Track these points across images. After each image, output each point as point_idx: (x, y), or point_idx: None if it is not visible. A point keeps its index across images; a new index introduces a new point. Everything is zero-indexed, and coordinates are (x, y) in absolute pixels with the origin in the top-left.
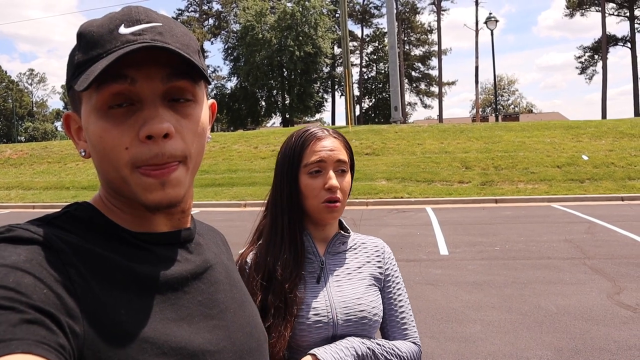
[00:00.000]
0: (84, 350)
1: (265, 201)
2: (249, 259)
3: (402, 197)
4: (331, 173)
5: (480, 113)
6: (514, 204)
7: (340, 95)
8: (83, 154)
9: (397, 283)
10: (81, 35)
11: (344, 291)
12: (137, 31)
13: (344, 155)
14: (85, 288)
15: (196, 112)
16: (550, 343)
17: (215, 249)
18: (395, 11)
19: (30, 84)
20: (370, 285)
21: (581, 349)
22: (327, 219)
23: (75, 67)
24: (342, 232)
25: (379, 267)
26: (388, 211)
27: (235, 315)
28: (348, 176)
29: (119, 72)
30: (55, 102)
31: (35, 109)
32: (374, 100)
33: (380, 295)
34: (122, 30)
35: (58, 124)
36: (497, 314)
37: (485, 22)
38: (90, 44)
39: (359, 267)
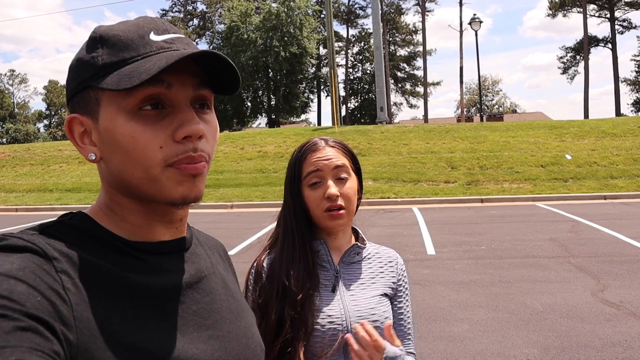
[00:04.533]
0: (77, 358)
1: (279, 211)
2: (265, 264)
3: (388, 198)
4: (330, 182)
5: (465, 113)
6: (499, 203)
7: (326, 96)
8: (93, 157)
9: (406, 295)
10: (103, 38)
11: (357, 300)
12: (168, 39)
13: (342, 161)
14: (79, 296)
15: (213, 120)
16: (537, 341)
17: (213, 259)
18: (380, 12)
19: (12, 85)
20: (382, 295)
21: (567, 346)
22: (333, 227)
23: (100, 68)
24: (358, 244)
25: (392, 278)
26: (375, 211)
27: (232, 326)
28: (350, 181)
29: (156, 76)
30: (37, 104)
31: (16, 110)
32: (359, 100)
33: (390, 305)
34: (154, 37)
35: (40, 126)
36: (484, 312)
37: (470, 23)
38: (119, 46)
39: (373, 278)
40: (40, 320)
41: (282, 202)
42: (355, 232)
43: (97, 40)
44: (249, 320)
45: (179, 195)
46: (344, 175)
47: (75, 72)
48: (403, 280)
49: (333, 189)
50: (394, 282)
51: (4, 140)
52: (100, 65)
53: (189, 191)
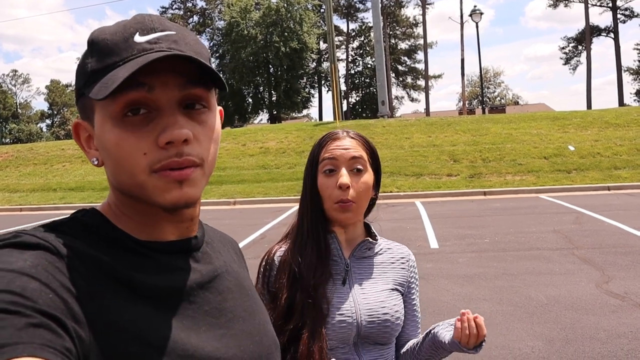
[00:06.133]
0: (89, 356)
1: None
2: (277, 256)
3: (391, 192)
4: (343, 171)
5: (467, 106)
6: (503, 195)
7: (327, 91)
8: (95, 162)
9: (417, 291)
10: (94, 43)
11: (367, 294)
12: (152, 39)
13: (359, 153)
14: (91, 294)
15: (210, 119)
16: (542, 333)
17: (226, 257)
18: (380, 5)
19: (14, 85)
20: (393, 290)
21: (572, 339)
22: (342, 220)
23: (89, 75)
24: (369, 240)
25: (403, 275)
26: (377, 205)
27: (245, 324)
28: (366, 175)
29: (136, 80)
30: (40, 103)
31: (19, 110)
32: (360, 94)
33: (402, 300)
34: (138, 38)
35: (43, 125)
36: (489, 306)
37: (470, 15)
38: (104, 51)
39: (384, 273)
40: (52, 317)
41: (284, 197)
42: (367, 227)
43: (90, 45)
44: (263, 317)
45: (168, 202)
46: (359, 166)
47: (76, 78)
48: (414, 278)
49: (345, 178)
50: (405, 280)
51: (7, 140)
52: (89, 72)
53: (177, 198)
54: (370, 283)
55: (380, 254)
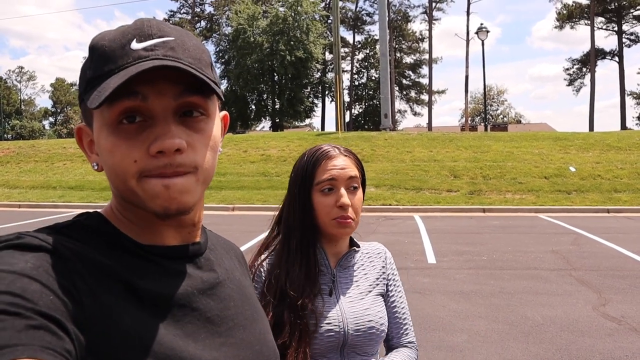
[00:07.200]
0: (88, 358)
1: (275, 215)
2: (260, 269)
3: (390, 205)
4: (342, 191)
5: (470, 122)
6: (502, 213)
7: (331, 101)
8: (95, 167)
9: (398, 286)
10: (93, 49)
11: (353, 303)
12: (149, 46)
13: (354, 172)
14: (91, 297)
15: (208, 127)
16: (537, 354)
17: (228, 264)
18: (387, 19)
19: (19, 82)
20: (377, 295)
21: None
22: (340, 234)
23: (87, 82)
24: (355, 249)
25: (383, 272)
26: (376, 218)
27: (245, 332)
28: (359, 192)
29: (130, 89)
30: (44, 101)
31: (23, 107)
32: (364, 106)
33: (384, 304)
34: (134, 45)
35: (46, 123)
36: (484, 323)
37: (476, 33)
38: (102, 58)
39: (366, 277)
40: (52, 318)
41: None
42: (349, 238)
43: (90, 51)
44: (263, 326)
45: (159, 207)
46: (355, 185)
47: (79, 83)
48: (392, 273)
49: (346, 198)
50: (385, 277)
51: (9, 136)
52: (88, 79)
53: (167, 203)
54: (355, 291)
55: (361, 259)
